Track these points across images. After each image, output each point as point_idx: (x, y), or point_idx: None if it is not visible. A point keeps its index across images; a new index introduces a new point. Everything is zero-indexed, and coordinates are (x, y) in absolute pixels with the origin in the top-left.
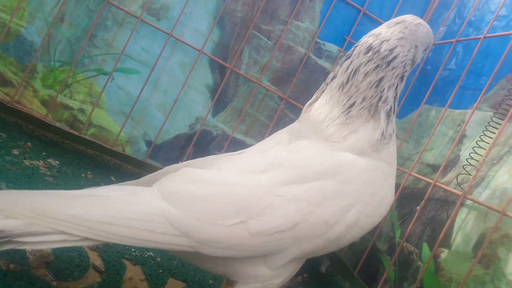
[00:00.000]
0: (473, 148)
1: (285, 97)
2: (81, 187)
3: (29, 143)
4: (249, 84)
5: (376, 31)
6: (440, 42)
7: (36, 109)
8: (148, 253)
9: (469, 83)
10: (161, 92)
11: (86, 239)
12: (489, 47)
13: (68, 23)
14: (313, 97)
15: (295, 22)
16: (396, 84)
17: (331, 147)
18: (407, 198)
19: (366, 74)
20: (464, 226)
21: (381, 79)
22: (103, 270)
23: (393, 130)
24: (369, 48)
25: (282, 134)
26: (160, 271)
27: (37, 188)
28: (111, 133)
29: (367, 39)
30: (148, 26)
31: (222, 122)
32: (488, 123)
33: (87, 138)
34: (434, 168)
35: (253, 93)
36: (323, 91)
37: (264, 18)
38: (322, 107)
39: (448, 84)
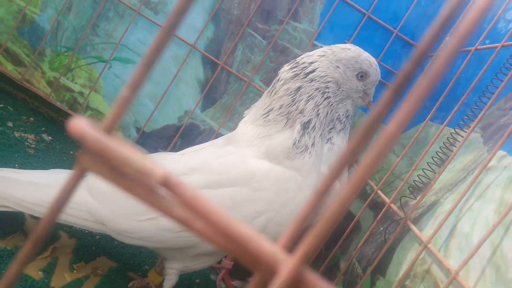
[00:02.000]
0: (423, 170)
1: None
2: (60, 162)
3: (31, 118)
4: (240, 82)
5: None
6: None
7: (43, 88)
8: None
9: (474, 100)
10: (153, 83)
11: (22, 211)
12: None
13: (75, 13)
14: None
15: (293, 23)
16: (316, 99)
17: (252, 152)
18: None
19: (285, 82)
20: (402, 253)
21: (298, 88)
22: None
23: (314, 143)
24: (293, 61)
25: (222, 137)
26: (93, 248)
27: (13, 157)
28: (106, 117)
29: (303, 59)
30: (145, 19)
31: (210, 118)
32: (447, 139)
33: None
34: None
35: (243, 91)
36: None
37: (260, 17)
38: (253, 110)
39: (453, 100)
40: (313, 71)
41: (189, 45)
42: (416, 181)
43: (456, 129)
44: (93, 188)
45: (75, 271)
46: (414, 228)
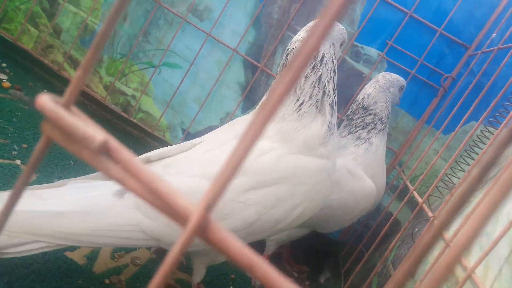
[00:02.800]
0: (451, 168)
1: None
2: None
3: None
4: None
5: (297, 37)
6: (487, 50)
7: (100, 92)
8: None
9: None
10: (198, 86)
11: (69, 245)
12: None
13: (129, 22)
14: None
15: None
16: (332, 77)
17: (288, 147)
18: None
19: (306, 76)
20: (431, 254)
21: (320, 77)
22: None
23: (336, 121)
24: None
25: (243, 125)
26: None
27: (68, 154)
28: (156, 119)
29: (294, 45)
30: (192, 26)
31: None
32: (477, 137)
33: (134, 121)
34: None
35: None
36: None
37: (300, 20)
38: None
39: (502, 100)
40: (323, 56)
41: (231, 50)
42: (445, 180)
43: (486, 126)
44: (143, 207)
45: (116, 260)
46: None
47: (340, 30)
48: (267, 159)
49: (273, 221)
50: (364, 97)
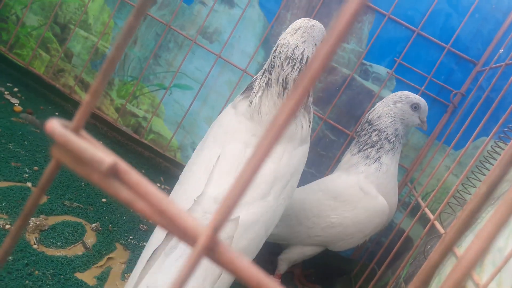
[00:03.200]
0: (462, 184)
1: (324, 117)
2: None
3: (101, 141)
4: None
5: (283, 40)
6: (495, 65)
7: (111, 114)
8: (143, 243)
9: None
10: (209, 107)
11: None
12: None
13: (140, 45)
14: (251, 98)
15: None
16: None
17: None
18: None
19: (295, 79)
20: (442, 269)
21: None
22: (89, 247)
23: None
24: (286, 58)
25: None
26: None
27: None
28: (167, 140)
29: (281, 49)
30: (202, 48)
31: None
32: (488, 152)
33: (145, 142)
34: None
35: None
36: (261, 94)
37: None
38: (270, 111)
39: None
40: (307, 58)
41: (241, 70)
42: (457, 196)
43: (497, 142)
44: None
45: (125, 280)
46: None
47: (321, 30)
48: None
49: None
50: (369, 111)
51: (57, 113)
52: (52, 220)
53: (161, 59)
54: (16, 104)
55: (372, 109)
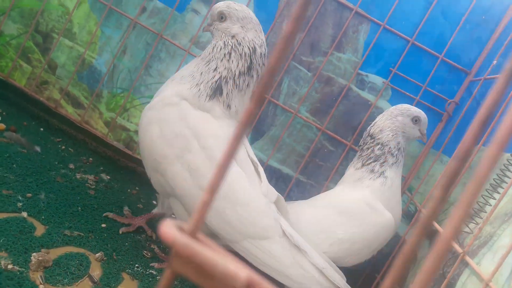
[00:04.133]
0: (482, 196)
1: (322, 128)
2: (120, 202)
3: (90, 158)
4: (287, 114)
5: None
6: (490, 77)
7: (100, 129)
8: (150, 271)
9: None
10: None
11: None
12: None
13: (129, 55)
14: (226, 101)
15: (336, 54)
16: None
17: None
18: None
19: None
20: None
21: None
22: (96, 280)
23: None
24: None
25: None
26: None
27: (76, 199)
28: None
29: (225, 39)
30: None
31: (259, 150)
32: (504, 166)
33: (138, 157)
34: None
35: (290, 122)
36: (236, 96)
37: (304, 50)
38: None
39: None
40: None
41: None
42: (475, 216)
43: None
44: None
45: None
46: (474, 264)
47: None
48: None
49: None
50: (371, 125)
51: (42, 129)
52: (54, 253)
53: (153, 70)
54: None
55: (373, 122)
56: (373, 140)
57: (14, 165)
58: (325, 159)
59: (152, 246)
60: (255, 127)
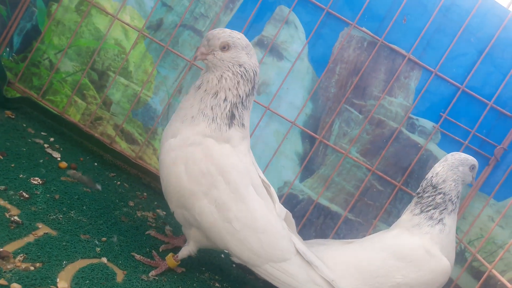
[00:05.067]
0: None
1: (372, 168)
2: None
3: (145, 193)
4: (337, 154)
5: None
6: None
7: (154, 164)
8: None
9: None
10: (256, 157)
11: None
12: None
13: (184, 93)
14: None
15: (388, 98)
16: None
17: None
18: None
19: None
20: None
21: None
22: None
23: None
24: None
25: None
26: None
27: (141, 240)
28: None
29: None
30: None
31: (309, 188)
32: None
33: None
34: None
35: (340, 162)
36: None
37: (357, 93)
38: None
39: None
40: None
41: (289, 122)
42: None
43: None
44: None
45: None
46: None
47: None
48: None
49: None
50: (432, 175)
51: (96, 164)
52: None
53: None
54: (59, 159)
55: (435, 173)
56: (435, 189)
57: (84, 207)
58: (374, 198)
59: (217, 284)
60: (306, 166)
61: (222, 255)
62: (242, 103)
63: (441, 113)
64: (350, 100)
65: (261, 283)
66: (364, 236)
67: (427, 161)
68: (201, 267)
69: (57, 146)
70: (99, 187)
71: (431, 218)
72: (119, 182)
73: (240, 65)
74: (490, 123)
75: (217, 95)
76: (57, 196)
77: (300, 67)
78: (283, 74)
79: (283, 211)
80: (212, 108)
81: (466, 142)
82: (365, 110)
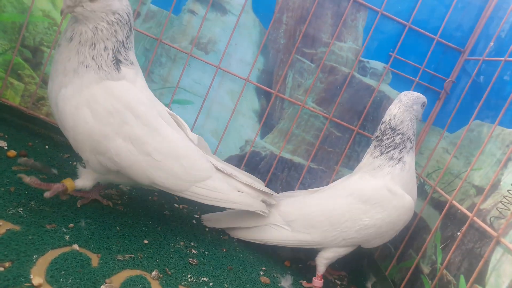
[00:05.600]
0: (508, 191)
1: (329, 116)
2: (146, 209)
3: None
4: (294, 106)
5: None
6: (490, 58)
7: None
8: (202, 278)
9: None
10: (213, 119)
11: None
12: None
13: None
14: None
15: (338, 43)
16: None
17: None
18: (451, 219)
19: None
20: (498, 266)
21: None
22: None
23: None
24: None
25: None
26: None
27: (110, 219)
28: None
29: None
30: (198, 60)
31: (270, 143)
32: None
33: None
34: (478, 190)
35: (298, 114)
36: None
37: (306, 42)
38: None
39: (502, 99)
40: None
41: (243, 79)
42: (507, 196)
43: None
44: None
45: None
46: (510, 246)
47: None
48: None
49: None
50: (390, 118)
51: (47, 147)
52: (117, 281)
53: (155, 75)
54: (5, 147)
55: (392, 115)
56: (394, 131)
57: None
58: (334, 145)
59: (194, 251)
60: (264, 122)
61: (194, 221)
62: (124, 46)
63: (390, 53)
64: (300, 50)
65: (235, 242)
66: (328, 183)
67: (381, 102)
68: (175, 236)
69: (0, 134)
70: (55, 171)
71: (391, 158)
72: (75, 163)
73: (113, 13)
74: (437, 58)
75: (95, 46)
76: (12, 189)
77: (246, 20)
78: (229, 29)
79: (195, 136)
80: (93, 58)
81: (417, 79)
82: (316, 59)
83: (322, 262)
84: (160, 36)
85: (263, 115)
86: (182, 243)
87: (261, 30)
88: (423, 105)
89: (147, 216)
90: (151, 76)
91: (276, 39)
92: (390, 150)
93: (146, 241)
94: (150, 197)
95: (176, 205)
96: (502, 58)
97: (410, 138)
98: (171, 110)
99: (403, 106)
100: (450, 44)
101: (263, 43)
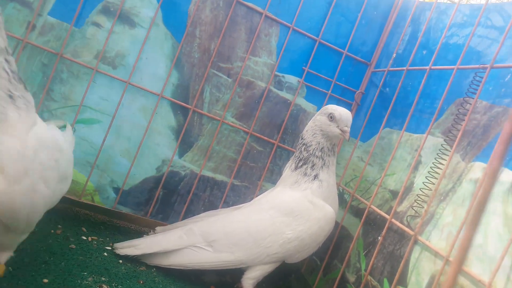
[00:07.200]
0: (423, 182)
1: (249, 131)
2: (47, 245)
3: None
4: (213, 121)
5: None
6: (393, 69)
7: None
8: None
9: (425, 106)
10: (124, 139)
11: None
12: (442, 71)
13: (23, 79)
14: None
15: (253, 58)
16: None
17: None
18: (372, 225)
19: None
20: (418, 265)
21: None
22: None
23: None
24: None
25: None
26: None
27: None
28: (79, 184)
29: None
30: (104, 75)
31: (190, 162)
32: (440, 151)
33: None
34: (394, 194)
35: (218, 130)
36: None
37: (222, 57)
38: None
39: (407, 107)
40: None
41: (156, 95)
42: (421, 195)
43: (444, 144)
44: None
45: None
46: (428, 243)
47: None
48: None
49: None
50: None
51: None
52: None
53: (55, 93)
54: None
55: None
56: (301, 140)
57: None
58: (256, 160)
59: (105, 286)
60: (182, 139)
61: (105, 253)
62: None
63: (303, 67)
64: (216, 64)
65: (154, 271)
66: (252, 199)
67: (298, 116)
68: (82, 272)
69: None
70: None
71: (305, 174)
72: None
73: None
74: (347, 71)
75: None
76: None
77: (156, 33)
78: (139, 43)
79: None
80: None
81: (329, 91)
82: (233, 73)
83: (248, 282)
84: (61, 50)
85: (181, 132)
86: (90, 278)
87: (174, 43)
88: (331, 117)
89: (48, 251)
90: (51, 94)
91: (190, 53)
92: (302, 165)
93: (45, 280)
94: (52, 230)
95: (84, 237)
96: (404, 68)
97: (315, 153)
98: (75, 131)
99: (312, 118)
100: (357, 57)
101: (176, 56)
